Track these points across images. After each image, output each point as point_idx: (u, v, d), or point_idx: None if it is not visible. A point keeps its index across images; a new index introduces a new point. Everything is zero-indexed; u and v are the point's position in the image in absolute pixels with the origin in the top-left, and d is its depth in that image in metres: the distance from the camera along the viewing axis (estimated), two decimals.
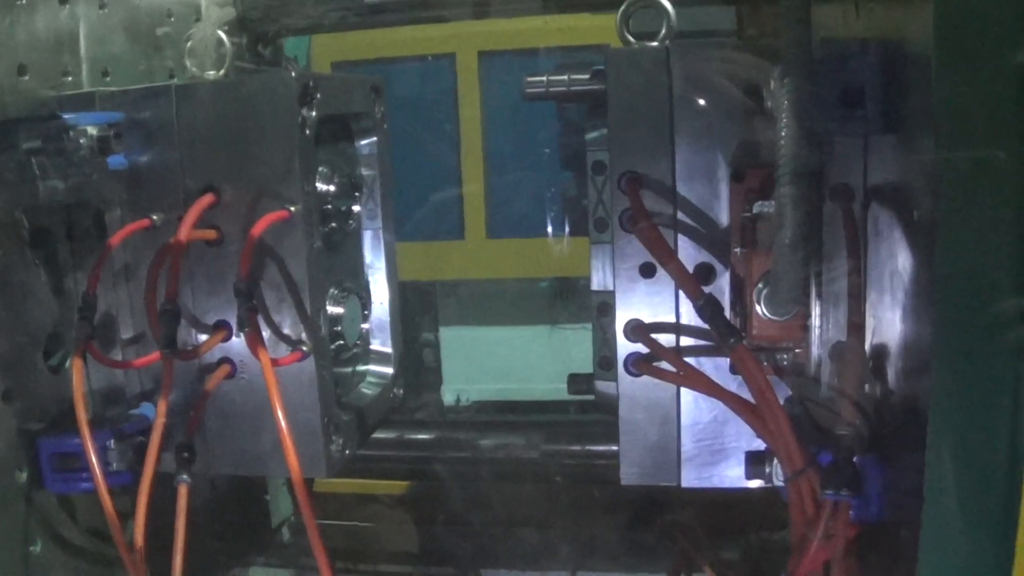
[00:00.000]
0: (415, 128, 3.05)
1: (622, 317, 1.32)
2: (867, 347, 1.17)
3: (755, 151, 1.23)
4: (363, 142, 1.65)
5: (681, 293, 1.28)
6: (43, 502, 1.40)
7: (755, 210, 1.17)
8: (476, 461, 2.15)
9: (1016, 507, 0.86)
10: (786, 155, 1.02)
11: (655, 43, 1.30)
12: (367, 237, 1.67)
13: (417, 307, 3.31)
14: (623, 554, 2.02)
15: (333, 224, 1.53)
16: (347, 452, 1.47)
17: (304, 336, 1.38)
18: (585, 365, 1.47)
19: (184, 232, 1.32)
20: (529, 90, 1.42)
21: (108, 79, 1.52)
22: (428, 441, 2.24)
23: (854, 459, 1.10)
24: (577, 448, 2.10)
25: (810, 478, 1.12)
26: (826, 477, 1.10)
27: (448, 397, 3.31)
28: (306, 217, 1.35)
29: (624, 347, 1.33)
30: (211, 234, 1.37)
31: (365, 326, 1.67)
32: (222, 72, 1.43)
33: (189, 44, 1.48)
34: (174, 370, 1.36)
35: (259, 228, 1.31)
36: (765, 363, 1.24)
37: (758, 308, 1.20)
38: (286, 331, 1.39)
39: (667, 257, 1.23)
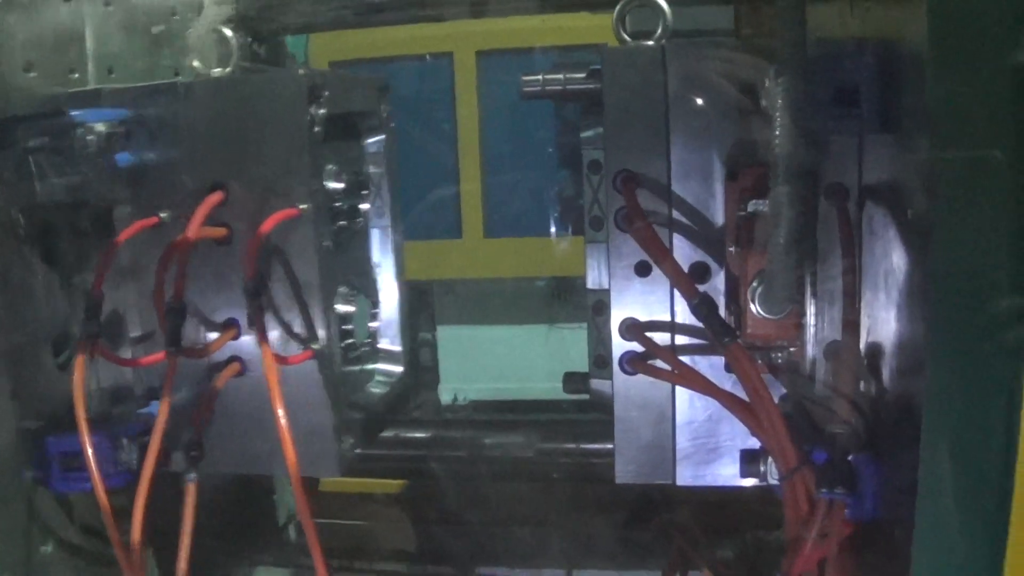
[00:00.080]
0: (413, 127, 3.06)
1: (617, 316, 1.33)
2: (862, 346, 1.17)
3: (750, 150, 1.23)
4: (370, 140, 1.64)
5: (676, 292, 1.28)
6: (53, 502, 1.40)
7: (750, 209, 1.17)
8: (472, 460, 2.15)
9: (1009, 505, 0.87)
10: (781, 154, 1.03)
11: (651, 42, 1.30)
12: (375, 236, 1.66)
13: (414, 306, 3.31)
14: (619, 552, 2.02)
15: (342, 222, 1.52)
16: (356, 451, 1.46)
17: (314, 335, 1.38)
18: (583, 364, 1.48)
19: (193, 230, 1.31)
20: (526, 89, 1.42)
21: (113, 76, 1.51)
22: (425, 440, 2.24)
23: (849, 458, 1.11)
24: (573, 447, 2.10)
25: (805, 476, 1.12)
26: (821, 476, 1.10)
27: (445, 396, 3.32)
28: (316, 215, 1.35)
29: (619, 346, 1.33)
30: (220, 232, 1.36)
31: (373, 325, 1.66)
32: (228, 69, 1.42)
33: (192, 41, 1.47)
34: (183, 368, 1.35)
35: (267, 226, 1.31)
36: (760, 362, 1.24)
37: (753, 307, 1.20)
38: (296, 330, 1.38)
39: (662, 256, 1.24)
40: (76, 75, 1.44)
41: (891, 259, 1.10)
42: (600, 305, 1.41)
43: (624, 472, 1.35)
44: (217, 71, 1.42)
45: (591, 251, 1.44)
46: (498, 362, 3.24)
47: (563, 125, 2.85)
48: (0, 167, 1.29)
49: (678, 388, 1.31)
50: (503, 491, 2.15)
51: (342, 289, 1.51)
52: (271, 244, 1.34)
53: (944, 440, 0.89)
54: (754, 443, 1.25)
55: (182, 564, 1.30)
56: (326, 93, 1.37)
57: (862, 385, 1.16)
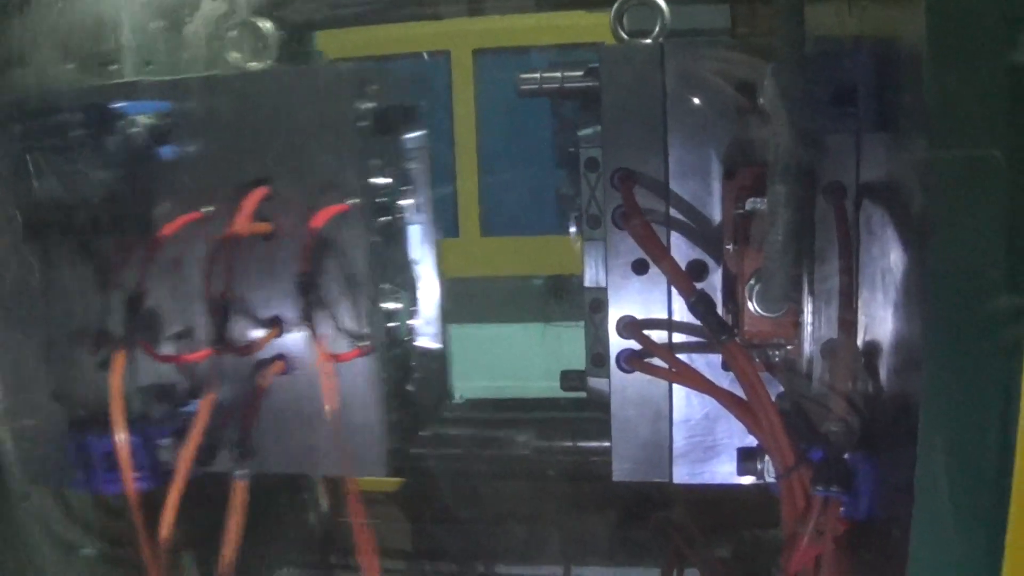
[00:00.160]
0: None
1: (615, 314, 1.33)
2: (859, 344, 1.17)
3: (748, 148, 1.24)
4: (410, 135, 1.61)
5: (673, 289, 1.28)
6: (91, 503, 1.38)
7: (748, 207, 1.17)
8: (469, 458, 2.15)
9: (1006, 504, 0.87)
10: (778, 152, 1.03)
11: (648, 40, 1.30)
12: (414, 232, 1.62)
13: None
14: (615, 550, 2.02)
15: (386, 218, 1.49)
16: (398, 451, 1.44)
17: (362, 332, 1.36)
18: (579, 363, 1.48)
19: (239, 225, 1.29)
20: (523, 87, 1.42)
21: (150, 67, 1.49)
22: (422, 439, 2.23)
23: (845, 456, 1.11)
24: (569, 444, 2.10)
25: (801, 474, 1.12)
26: (817, 473, 1.10)
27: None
28: (365, 210, 1.33)
29: (616, 344, 1.33)
30: (266, 227, 1.34)
31: (413, 322, 1.63)
32: (268, 63, 1.40)
33: (230, 34, 1.44)
34: (223, 366, 1.34)
35: (320, 220, 1.29)
36: (757, 360, 1.24)
37: (750, 305, 1.20)
38: (345, 327, 1.36)
39: (659, 254, 1.24)
40: (114, 66, 1.42)
41: (888, 257, 1.10)
42: (597, 303, 1.41)
43: (621, 470, 1.35)
44: (254, 64, 1.40)
45: (588, 249, 1.44)
46: (495, 361, 3.23)
47: (560, 124, 2.85)
48: (40, 161, 1.27)
49: (675, 386, 1.31)
50: (500, 489, 2.15)
51: (385, 286, 1.48)
52: (320, 239, 1.32)
53: (941, 438, 0.89)
54: (751, 441, 1.25)
55: (226, 563, 1.28)
56: (373, 86, 1.35)
57: (859, 383, 1.16)
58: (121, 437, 1.28)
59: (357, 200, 1.32)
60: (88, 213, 1.35)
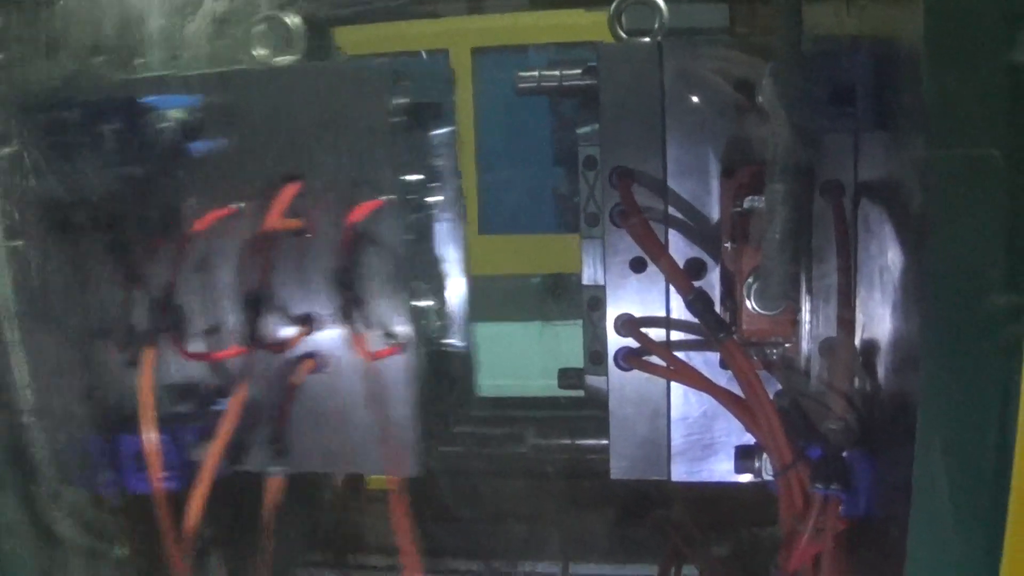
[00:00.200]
0: None
1: (613, 312, 1.33)
2: (857, 342, 1.17)
3: (746, 147, 1.24)
4: (438, 132, 1.57)
5: (672, 288, 1.28)
6: (123, 502, 1.36)
7: (746, 205, 1.17)
8: (467, 456, 2.15)
9: (1005, 502, 0.87)
10: (777, 151, 1.03)
11: (647, 39, 1.30)
12: (442, 229, 1.60)
13: None
14: (614, 547, 2.02)
15: (418, 214, 1.47)
16: (428, 450, 1.43)
17: (397, 329, 1.35)
18: (577, 361, 1.48)
19: (272, 222, 1.28)
20: (522, 85, 1.42)
21: (177, 61, 1.46)
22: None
23: (843, 454, 1.11)
24: (567, 442, 2.10)
25: (799, 472, 1.13)
26: (816, 471, 1.10)
27: None
28: (398, 206, 1.32)
29: (614, 341, 1.33)
30: (298, 224, 1.33)
31: (441, 321, 1.61)
32: (297, 57, 1.38)
33: (256, 28, 1.42)
34: (254, 364, 1.33)
35: (357, 216, 1.28)
36: (755, 358, 1.24)
37: (748, 303, 1.20)
38: (379, 324, 1.35)
39: (658, 252, 1.24)
40: (142, 60, 1.40)
41: (886, 256, 1.10)
42: (595, 301, 1.41)
43: (619, 468, 1.35)
44: (281, 59, 1.39)
45: (586, 247, 1.43)
46: (493, 359, 3.23)
47: (559, 122, 2.85)
48: (67, 155, 1.26)
49: (673, 384, 1.31)
50: (497, 488, 2.15)
51: (417, 284, 1.46)
52: (356, 235, 1.31)
53: (939, 437, 0.90)
54: (749, 439, 1.25)
55: (264, 563, 1.27)
56: (406, 82, 1.34)
57: (857, 381, 1.16)
58: (151, 436, 1.27)
59: (393, 196, 1.30)
60: (118, 208, 1.33)
